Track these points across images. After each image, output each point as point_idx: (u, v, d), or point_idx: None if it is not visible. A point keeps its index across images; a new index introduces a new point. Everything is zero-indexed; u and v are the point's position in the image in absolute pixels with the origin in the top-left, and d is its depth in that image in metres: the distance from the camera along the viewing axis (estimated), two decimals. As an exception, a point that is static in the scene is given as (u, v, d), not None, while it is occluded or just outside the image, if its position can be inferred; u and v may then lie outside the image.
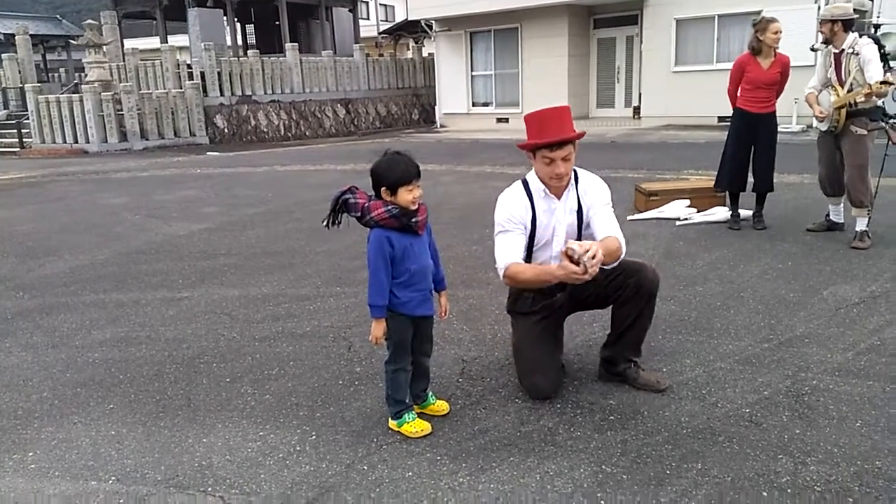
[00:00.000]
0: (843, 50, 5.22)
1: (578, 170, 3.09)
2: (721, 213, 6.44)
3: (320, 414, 3.03)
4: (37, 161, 15.81)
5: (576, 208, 3.06)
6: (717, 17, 15.67)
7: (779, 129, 6.05)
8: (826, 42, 5.33)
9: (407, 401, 2.87)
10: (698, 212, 6.58)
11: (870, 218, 5.35)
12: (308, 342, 3.89)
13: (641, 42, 17.21)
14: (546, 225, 3.06)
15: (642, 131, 15.85)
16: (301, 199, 8.83)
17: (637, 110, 17.77)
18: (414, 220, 2.73)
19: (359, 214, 2.71)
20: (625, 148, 12.42)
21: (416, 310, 2.80)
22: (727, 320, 3.94)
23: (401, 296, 2.76)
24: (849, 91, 5.19)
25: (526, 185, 3.09)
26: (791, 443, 2.64)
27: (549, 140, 2.89)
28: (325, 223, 2.74)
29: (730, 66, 6.15)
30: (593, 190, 3.08)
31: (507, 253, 2.98)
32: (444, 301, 2.99)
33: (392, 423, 2.85)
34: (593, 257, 2.61)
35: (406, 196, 2.69)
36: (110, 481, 2.58)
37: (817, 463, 2.51)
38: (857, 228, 5.33)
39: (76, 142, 17.18)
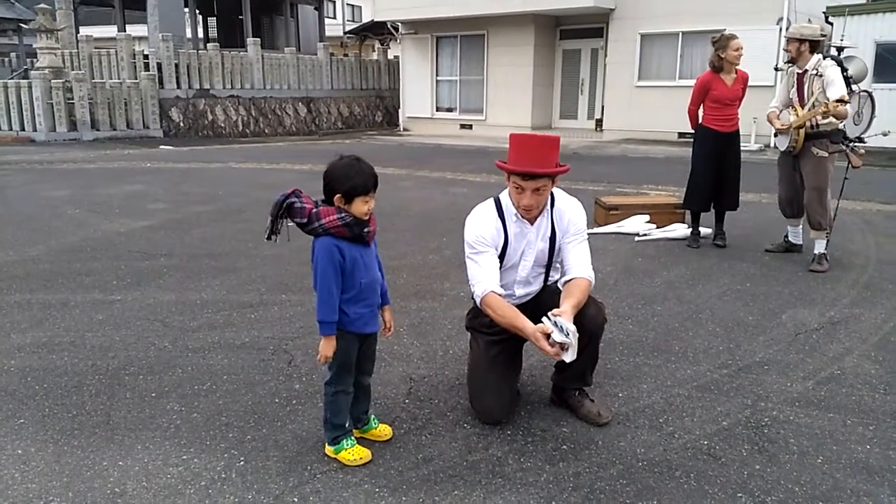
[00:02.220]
0: (806, 71, 5.16)
1: (556, 191, 2.89)
2: (680, 230, 6.36)
3: (251, 436, 2.79)
4: (-21, 148, 15.10)
5: (549, 235, 2.88)
6: (681, 33, 15.78)
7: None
8: (791, 61, 5.27)
9: (346, 425, 2.64)
10: (658, 228, 6.50)
11: (828, 241, 5.31)
12: (245, 354, 3.63)
13: (606, 55, 17.27)
14: (516, 249, 2.88)
15: (604, 144, 15.87)
16: (253, 198, 8.50)
17: (599, 123, 17.81)
18: (366, 229, 2.53)
19: (304, 221, 2.46)
20: (586, 160, 12.38)
21: (365, 327, 2.59)
22: (685, 343, 3.82)
23: (350, 312, 2.54)
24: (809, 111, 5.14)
25: (499, 204, 2.89)
26: (751, 479, 2.50)
27: (520, 170, 2.71)
28: (266, 236, 2.47)
29: (692, 83, 6.08)
30: (569, 215, 2.89)
31: (486, 278, 2.78)
32: (388, 316, 2.76)
33: (329, 450, 2.63)
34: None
35: (361, 207, 2.48)
36: (7, 511, 2.31)
37: (777, 503, 2.37)
38: (816, 251, 5.29)
39: (23, 129, 16.48)
